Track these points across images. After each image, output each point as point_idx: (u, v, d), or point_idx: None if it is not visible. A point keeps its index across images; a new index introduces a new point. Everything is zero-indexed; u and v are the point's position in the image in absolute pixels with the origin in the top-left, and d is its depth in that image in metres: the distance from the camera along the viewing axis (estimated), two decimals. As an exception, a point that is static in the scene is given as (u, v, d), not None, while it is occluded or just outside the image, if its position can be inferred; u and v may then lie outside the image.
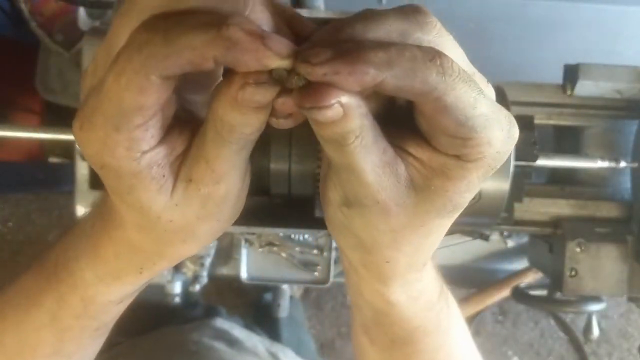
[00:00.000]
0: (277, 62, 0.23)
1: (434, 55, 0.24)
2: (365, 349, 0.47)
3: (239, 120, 0.25)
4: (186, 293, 1.17)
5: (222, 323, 0.96)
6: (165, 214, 0.29)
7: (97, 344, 0.45)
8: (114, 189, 0.28)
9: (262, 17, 0.25)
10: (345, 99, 0.24)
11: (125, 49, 0.24)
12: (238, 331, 0.95)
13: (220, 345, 0.83)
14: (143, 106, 0.24)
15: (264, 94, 0.24)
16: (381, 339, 0.43)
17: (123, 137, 0.25)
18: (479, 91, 0.25)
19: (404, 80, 0.23)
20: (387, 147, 0.27)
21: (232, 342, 0.88)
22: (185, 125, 0.29)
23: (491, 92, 0.29)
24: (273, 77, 0.24)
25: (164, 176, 0.27)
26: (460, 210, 0.30)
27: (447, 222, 0.31)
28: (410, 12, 0.25)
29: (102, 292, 0.36)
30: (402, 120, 0.28)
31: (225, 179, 0.28)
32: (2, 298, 0.42)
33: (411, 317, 0.39)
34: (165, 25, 0.23)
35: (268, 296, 1.70)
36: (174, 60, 0.23)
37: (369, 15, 0.25)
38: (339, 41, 0.24)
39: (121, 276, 0.35)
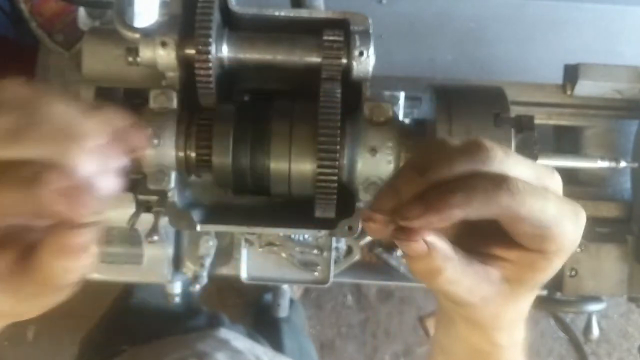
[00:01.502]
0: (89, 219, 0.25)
1: (501, 181, 0.28)
2: None
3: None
4: (189, 300, 1.17)
5: (225, 333, 0.96)
6: None
7: None
8: None
9: (91, 161, 0.26)
10: (430, 237, 0.30)
11: None
12: (241, 342, 0.95)
13: (223, 358, 0.84)
14: None
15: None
16: None
17: None
18: (545, 196, 0.29)
19: (483, 210, 0.28)
20: (478, 268, 0.33)
21: (235, 353, 0.89)
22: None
23: (558, 182, 0.32)
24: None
25: None
26: None
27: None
28: (475, 151, 0.29)
29: None
30: (486, 230, 0.33)
31: None
32: None
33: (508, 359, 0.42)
34: None
35: (268, 297, 1.70)
36: None
37: (441, 159, 0.29)
38: (423, 189, 0.29)
39: None
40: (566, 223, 0.30)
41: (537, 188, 0.29)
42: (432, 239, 0.30)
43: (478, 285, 0.33)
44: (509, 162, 0.29)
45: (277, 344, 1.20)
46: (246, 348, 0.91)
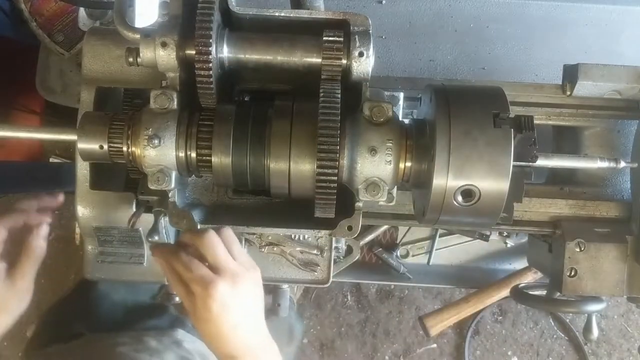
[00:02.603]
0: None
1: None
2: None
3: None
4: (155, 298, 1.17)
5: (182, 335, 0.99)
6: None
7: None
8: None
9: None
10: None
11: None
12: (196, 344, 0.97)
13: (171, 357, 0.90)
14: None
15: None
16: None
17: None
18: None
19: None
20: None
21: (186, 354, 0.93)
22: None
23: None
24: None
25: None
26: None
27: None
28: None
29: None
30: None
31: None
32: None
33: None
34: None
35: (267, 298, 1.69)
36: None
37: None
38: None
39: None
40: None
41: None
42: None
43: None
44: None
45: None
46: (196, 350, 0.95)
